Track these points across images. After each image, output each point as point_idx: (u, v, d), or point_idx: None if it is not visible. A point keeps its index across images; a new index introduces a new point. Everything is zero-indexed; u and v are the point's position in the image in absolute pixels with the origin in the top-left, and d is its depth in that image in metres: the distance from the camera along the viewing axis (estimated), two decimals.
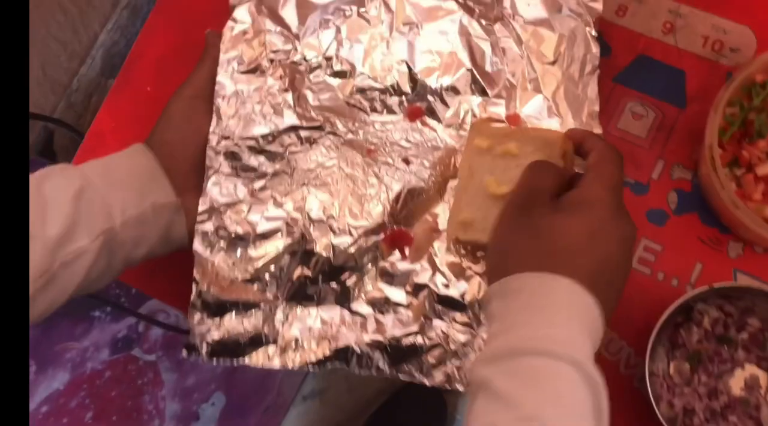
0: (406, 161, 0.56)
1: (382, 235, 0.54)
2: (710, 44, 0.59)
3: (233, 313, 0.54)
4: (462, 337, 0.53)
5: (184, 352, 0.54)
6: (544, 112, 0.56)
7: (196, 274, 0.54)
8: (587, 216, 0.42)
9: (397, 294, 0.54)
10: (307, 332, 0.53)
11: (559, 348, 0.38)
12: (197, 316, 0.54)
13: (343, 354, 0.52)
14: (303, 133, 0.56)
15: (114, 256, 0.49)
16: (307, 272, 0.54)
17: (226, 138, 0.56)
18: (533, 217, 0.43)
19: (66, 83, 0.77)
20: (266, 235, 0.55)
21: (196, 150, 0.55)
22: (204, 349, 0.53)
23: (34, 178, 0.46)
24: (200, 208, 0.55)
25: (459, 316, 0.54)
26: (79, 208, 0.46)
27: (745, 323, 0.54)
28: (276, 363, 0.53)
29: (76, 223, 0.46)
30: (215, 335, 0.54)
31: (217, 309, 0.54)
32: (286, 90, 0.57)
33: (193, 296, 0.54)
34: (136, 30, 0.77)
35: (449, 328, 0.53)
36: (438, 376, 0.52)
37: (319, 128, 0.57)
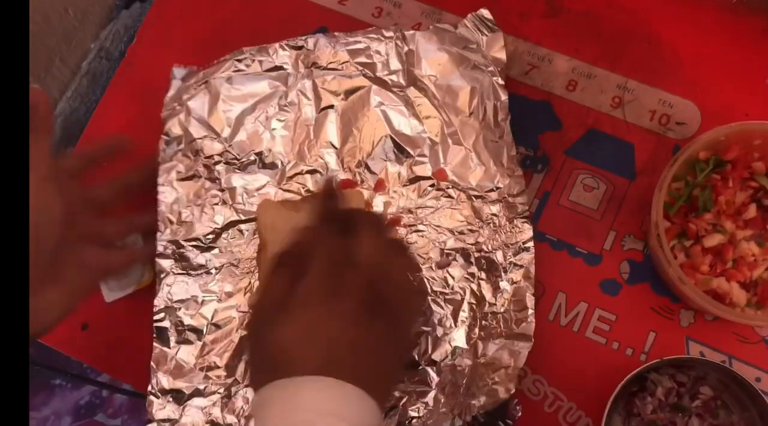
0: None
1: None
2: (657, 118, 0.61)
3: (192, 399, 0.55)
4: (419, 396, 0.55)
5: None
6: (467, 163, 0.59)
7: (153, 364, 0.56)
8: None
9: None
10: None
11: None
12: (156, 405, 0.55)
13: None
14: (242, 226, 0.59)
15: None
16: None
17: (172, 242, 0.58)
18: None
19: None
20: (220, 325, 0.57)
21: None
22: None
23: None
24: (156, 307, 0.57)
25: (414, 375, 0.55)
26: None
27: (697, 392, 0.55)
28: None
29: None
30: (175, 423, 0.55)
31: (176, 396, 0.55)
32: (222, 190, 0.59)
33: (150, 386, 0.55)
34: (96, 98, 0.77)
35: (406, 389, 0.55)
36: None
37: (256, 219, 0.58)
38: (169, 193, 0.59)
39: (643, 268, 0.58)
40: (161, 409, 0.55)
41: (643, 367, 0.53)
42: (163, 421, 0.55)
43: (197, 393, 0.55)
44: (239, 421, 0.54)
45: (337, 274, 0.42)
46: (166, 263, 0.58)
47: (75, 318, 0.61)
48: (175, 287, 0.57)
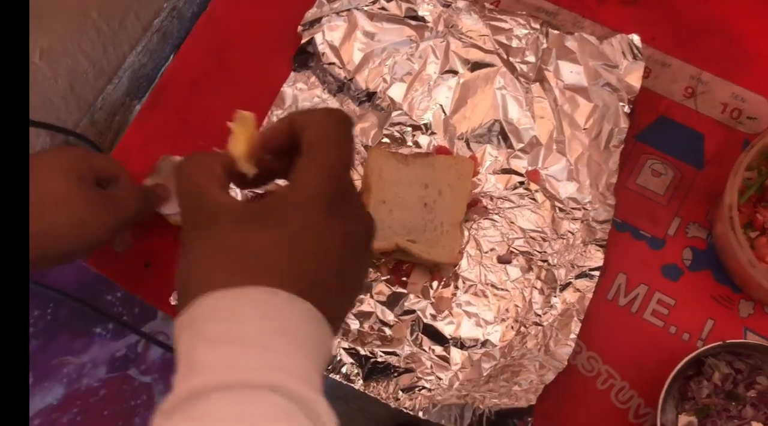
0: None
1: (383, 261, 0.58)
2: (729, 111, 0.62)
3: None
4: (436, 370, 0.55)
5: None
6: (563, 174, 0.59)
7: None
8: (281, 229, 0.34)
9: (386, 313, 0.57)
10: None
11: (249, 374, 0.30)
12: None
13: None
14: None
15: None
16: None
17: None
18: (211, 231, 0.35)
19: (91, 101, 0.77)
20: None
21: None
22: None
23: None
24: None
25: (439, 349, 0.56)
26: None
27: (753, 381, 0.55)
28: None
29: None
30: None
31: None
32: None
33: None
34: (165, 55, 0.78)
35: (427, 359, 0.55)
36: (405, 402, 0.53)
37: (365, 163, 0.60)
38: (288, 95, 0.62)
39: (705, 256, 0.59)
40: None
41: (702, 350, 0.53)
42: None
43: None
44: None
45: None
46: None
47: (138, 256, 0.62)
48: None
